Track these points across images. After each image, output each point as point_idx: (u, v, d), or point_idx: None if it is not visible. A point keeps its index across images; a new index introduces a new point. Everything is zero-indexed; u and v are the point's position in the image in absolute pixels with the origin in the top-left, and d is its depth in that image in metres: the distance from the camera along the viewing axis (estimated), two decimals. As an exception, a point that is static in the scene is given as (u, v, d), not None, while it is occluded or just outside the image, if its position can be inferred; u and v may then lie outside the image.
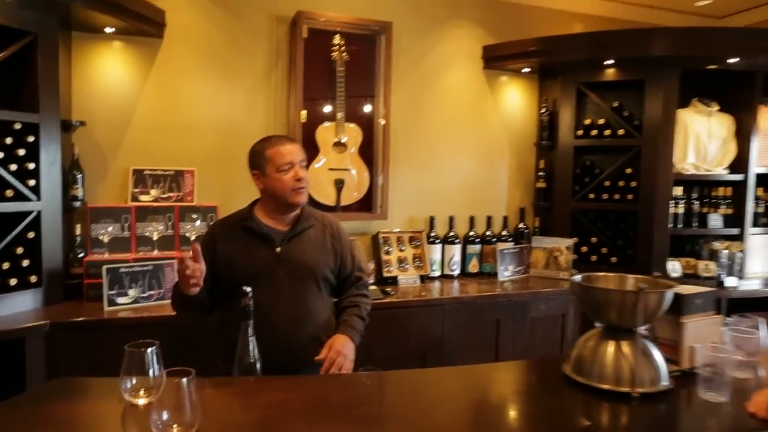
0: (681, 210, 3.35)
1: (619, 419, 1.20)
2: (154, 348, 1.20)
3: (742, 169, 3.36)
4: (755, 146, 3.34)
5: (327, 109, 3.09)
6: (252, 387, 1.43)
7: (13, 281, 2.29)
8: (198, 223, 2.76)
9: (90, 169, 2.69)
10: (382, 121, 3.16)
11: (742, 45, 3.12)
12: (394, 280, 3.10)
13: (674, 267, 3.33)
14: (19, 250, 2.34)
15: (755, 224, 3.43)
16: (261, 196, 1.93)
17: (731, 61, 3.16)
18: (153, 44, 2.81)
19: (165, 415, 1.05)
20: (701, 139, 3.35)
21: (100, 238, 2.60)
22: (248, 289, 1.53)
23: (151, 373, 1.19)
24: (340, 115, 3.04)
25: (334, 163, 3.06)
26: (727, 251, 3.33)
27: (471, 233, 3.42)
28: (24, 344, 2.13)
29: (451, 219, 3.37)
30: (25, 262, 2.36)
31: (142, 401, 1.21)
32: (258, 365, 1.52)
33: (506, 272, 3.30)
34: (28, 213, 2.35)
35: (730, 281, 3.27)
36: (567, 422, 1.21)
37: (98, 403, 1.31)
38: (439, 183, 3.46)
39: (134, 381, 1.20)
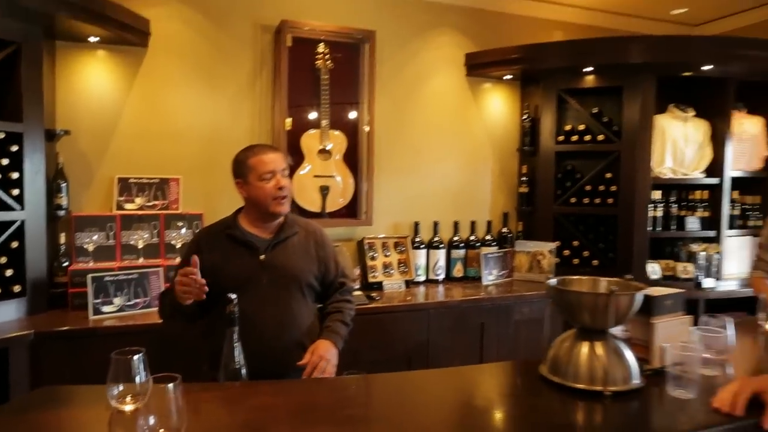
0: (659, 213, 3.43)
1: (593, 417, 1.25)
2: (140, 355, 1.22)
3: (717, 173, 3.45)
4: (730, 150, 3.44)
5: (312, 116, 3.12)
6: (237, 391, 1.45)
7: (-3, 291, 2.29)
8: (183, 230, 2.77)
9: (75, 177, 2.69)
10: (367, 128, 3.20)
11: (715, 53, 3.22)
12: (379, 286, 3.13)
13: (654, 269, 3.40)
14: (3, 260, 2.34)
15: (731, 226, 3.52)
16: (245, 204, 1.96)
17: (705, 68, 3.25)
18: (138, 53, 2.82)
19: (151, 420, 1.07)
20: (678, 144, 3.44)
21: (85, 246, 2.60)
22: (233, 296, 1.56)
23: (137, 379, 1.21)
24: (324, 122, 3.07)
25: (320, 170, 3.10)
26: (704, 253, 3.41)
27: (455, 238, 3.47)
28: (8, 354, 2.12)
29: (436, 224, 3.41)
30: (9, 272, 2.36)
31: (128, 407, 1.22)
32: (243, 371, 1.54)
33: (490, 276, 3.35)
34: (12, 222, 2.35)
35: (707, 282, 3.35)
36: (544, 422, 1.25)
37: (84, 410, 1.32)
38: (423, 189, 3.51)
39: (121, 388, 1.21)
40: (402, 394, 1.45)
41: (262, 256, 1.86)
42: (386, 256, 3.26)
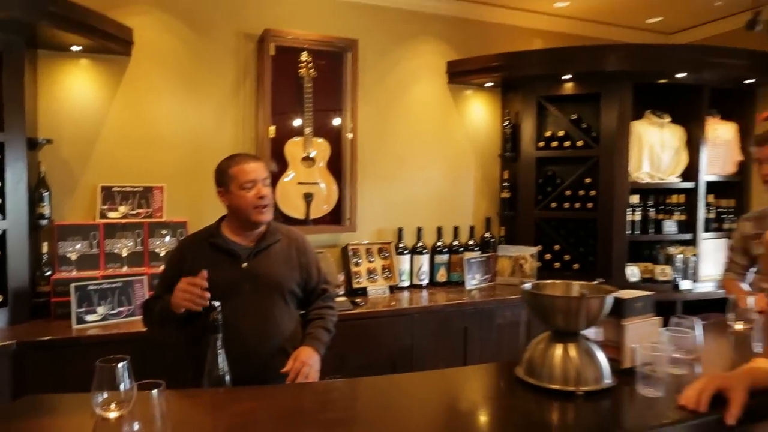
0: (638, 217, 3.51)
1: (566, 416, 1.30)
2: (125, 362, 1.24)
3: (693, 178, 3.54)
4: (704, 155, 3.54)
5: (296, 124, 3.15)
6: (221, 397, 1.47)
7: (-22, 301, 2.28)
8: (168, 238, 2.78)
9: (57, 186, 2.69)
10: (350, 135, 3.24)
11: (689, 61, 3.32)
12: (363, 291, 3.16)
13: (633, 272, 3.48)
14: (-15, 270, 2.33)
15: (707, 229, 3.61)
16: (227, 212, 1.98)
17: (680, 75, 3.35)
18: (121, 62, 2.84)
19: (136, 427, 1.09)
20: (655, 149, 3.52)
21: (68, 255, 2.60)
22: (217, 303, 1.58)
23: (122, 387, 1.22)
24: (308, 129, 3.10)
25: (303, 177, 3.13)
26: (681, 256, 3.50)
27: (439, 243, 3.52)
28: (-10, 364, 2.12)
29: (419, 230, 3.46)
30: (-9, 282, 2.35)
31: (113, 415, 1.24)
32: (227, 378, 1.56)
33: (473, 281, 3.40)
34: (-6, 232, 2.34)
35: (684, 284, 3.43)
36: (521, 422, 1.30)
37: (69, 418, 1.33)
38: (406, 195, 3.55)
39: (105, 395, 1.22)
40: (385, 396, 1.48)
41: (245, 264, 1.89)
42: (370, 262, 3.29)
